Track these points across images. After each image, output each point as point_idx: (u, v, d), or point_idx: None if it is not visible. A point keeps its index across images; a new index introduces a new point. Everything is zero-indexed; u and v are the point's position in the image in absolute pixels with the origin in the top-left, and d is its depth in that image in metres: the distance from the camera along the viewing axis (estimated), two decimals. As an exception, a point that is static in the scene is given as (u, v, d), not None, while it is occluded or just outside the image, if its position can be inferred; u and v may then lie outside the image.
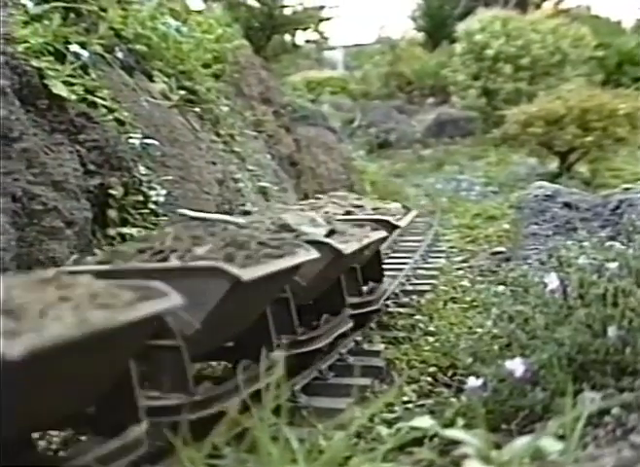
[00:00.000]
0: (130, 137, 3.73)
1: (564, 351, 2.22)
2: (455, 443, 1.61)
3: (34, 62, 3.19)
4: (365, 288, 3.92)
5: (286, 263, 2.32)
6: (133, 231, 3.39)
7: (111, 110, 3.69)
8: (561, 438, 1.54)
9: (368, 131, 17.70)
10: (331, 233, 3.10)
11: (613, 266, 2.52)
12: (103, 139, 3.42)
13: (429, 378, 3.20)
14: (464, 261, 6.33)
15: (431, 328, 3.98)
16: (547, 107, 12.52)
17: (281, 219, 3.10)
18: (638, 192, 5.55)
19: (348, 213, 4.09)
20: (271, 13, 13.65)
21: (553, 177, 11.44)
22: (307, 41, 17.92)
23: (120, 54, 4.39)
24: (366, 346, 3.72)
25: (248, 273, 2.04)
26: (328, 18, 15.68)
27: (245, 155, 6.20)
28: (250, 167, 6.14)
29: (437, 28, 25.88)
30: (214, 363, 2.97)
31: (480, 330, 3.26)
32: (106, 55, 4.11)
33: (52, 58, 3.38)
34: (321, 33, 16.53)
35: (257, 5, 13.62)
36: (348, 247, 3.02)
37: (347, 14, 59.99)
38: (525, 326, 2.55)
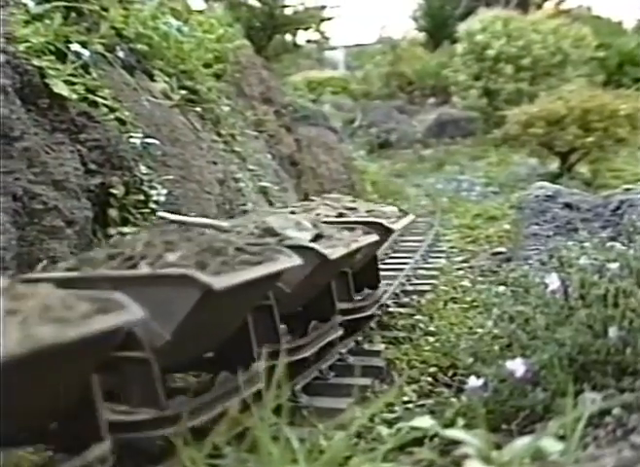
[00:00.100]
0: (131, 137, 3.73)
1: (565, 352, 2.22)
2: (456, 443, 1.61)
3: (35, 61, 3.19)
4: (359, 294, 3.77)
5: (265, 270, 2.20)
6: (134, 230, 3.39)
7: (112, 109, 3.69)
8: (562, 438, 1.54)
9: (368, 131, 17.70)
10: (317, 238, 2.96)
11: (614, 266, 2.52)
12: (104, 138, 3.42)
13: (429, 378, 3.21)
14: (465, 261, 6.33)
15: (431, 328, 3.98)
16: (548, 107, 12.51)
17: (265, 223, 2.96)
18: (639, 192, 5.55)
19: (340, 216, 3.93)
20: (272, 12, 13.64)
21: (554, 177, 11.42)
22: (308, 41, 17.91)
23: (121, 54, 4.39)
24: (366, 346, 3.73)
25: (222, 281, 1.92)
26: (329, 18, 15.67)
27: (246, 154, 6.20)
28: (251, 167, 6.14)
29: (438, 28, 25.87)
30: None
31: (480, 330, 3.26)
32: (107, 55, 4.11)
33: (53, 58, 3.38)
34: (322, 33, 16.51)
35: (258, 5, 13.61)
36: (335, 252, 2.87)
37: (348, 14, 59.99)
38: (526, 326, 2.55)
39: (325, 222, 3.39)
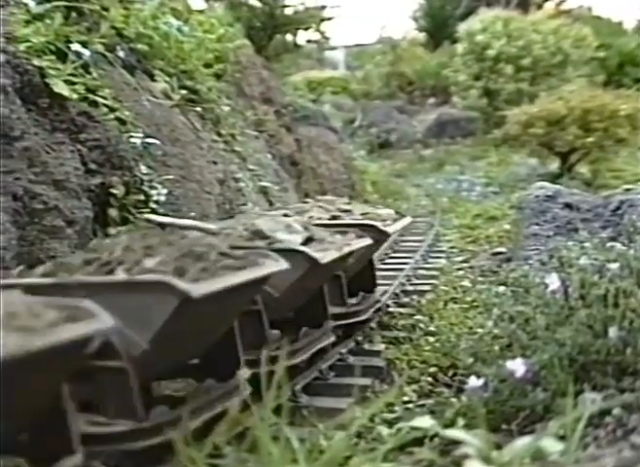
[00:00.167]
0: (132, 136, 3.73)
1: (565, 352, 2.22)
2: (456, 443, 1.61)
3: (35, 61, 3.19)
4: (354, 298, 3.69)
5: (249, 275, 2.11)
6: (132, 230, 3.39)
7: (112, 109, 3.69)
8: (562, 438, 1.54)
9: (369, 131, 17.70)
10: (308, 241, 2.87)
11: (614, 266, 2.52)
12: (104, 138, 3.42)
13: (429, 379, 3.21)
14: (465, 261, 6.34)
15: (431, 328, 3.98)
16: (548, 108, 12.51)
17: (254, 225, 2.89)
18: (639, 192, 5.55)
19: (334, 218, 3.83)
20: (273, 12, 13.63)
21: (554, 178, 11.42)
22: (309, 41, 17.89)
23: (121, 54, 4.39)
24: (366, 346, 3.73)
25: (200, 288, 1.84)
26: (329, 18, 15.65)
27: (246, 154, 6.20)
28: (251, 167, 6.14)
29: (438, 28, 25.86)
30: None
31: (480, 330, 3.26)
32: (108, 55, 4.11)
33: (53, 57, 3.37)
34: (322, 33, 16.49)
35: (258, 5, 13.60)
36: (326, 256, 2.77)
37: (349, 14, 59.99)
38: (526, 326, 2.55)
39: (317, 224, 3.31)
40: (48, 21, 3.61)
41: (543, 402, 2.14)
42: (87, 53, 3.67)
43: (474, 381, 2.21)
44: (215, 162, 5.05)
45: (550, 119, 12.27)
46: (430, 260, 6.43)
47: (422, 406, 2.82)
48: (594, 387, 2.10)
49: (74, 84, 3.43)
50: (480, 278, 5.37)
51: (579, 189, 7.74)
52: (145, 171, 3.68)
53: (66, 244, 2.92)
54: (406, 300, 4.77)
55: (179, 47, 5.31)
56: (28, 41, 3.31)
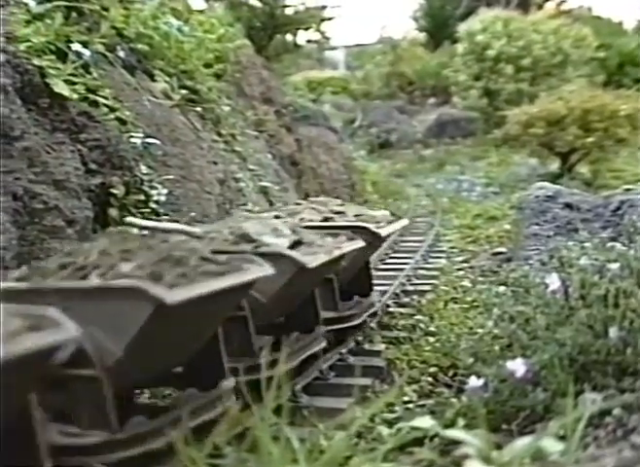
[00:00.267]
0: (132, 136, 3.73)
1: (565, 352, 2.22)
2: (456, 443, 1.61)
3: (36, 61, 3.19)
4: (348, 302, 3.61)
5: (231, 281, 2.01)
6: (134, 230, 3.39)
7: (112, 109, 3.69)
8: (562, 438, 1.54)
9: (369, 131, 17.71)
10: (296, 244, 2.78)
11: (614, 266, 2.52)
12: (105, 138, 3.42)
13: (430, 379, 3.21)
14: (465, 261, 6.34)
15: (432, 328, 3.98)
16: (548, 108, 12.52)
17: (241, 228, 2.79)
18: (639, 193, 5.55)
19: (326, 220, 3.71)
20: (273, 12, 13.64)
21: (554, 178, 11.42)
22: (309, 41, 17.90)
23: (121, 54, 4.39)
24: (366, 346, 3.73)
25: (176, 295, 1.74)
26: (329, 18, 15.66)
27: (246, 154, 6.21)
28: (251, 167, 6.14)
29: (438, 28, 25.87)
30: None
31: (480, 330, 3.26)
32: (108, 55, 4.11)
33: (53, 57, 3.38)
34: (322, 33, 16.51)
35: (259, 4, 13.61)
36: (315, 260, 2.66)
37: (349, 14, 60.05)
38: (526, 326, 2.55)
39: (309, 227, 3.23)
40: (48, 21, 3.61)
41: (543, 402, 2.14)
42: (87, 52, 3.68)
43: (474, 381, 2.20)
44: (215, 163, 5.05)
45: (550, 119, 12.27)
46: (430, 260, 6.43)
47: (422, 406, 2.82)
48: (595, 387, 2.10)
49: (74, 84, 3.43)
50: (480, 278, 5.37)
51: (579, 189, 7.74)
52: (145, 171, 3.68)
53: (66, 244, 2.92)
54: (406, 300, 4.77)
55: (179, 47, 5.31)
56: (29, 41, 3.31)
